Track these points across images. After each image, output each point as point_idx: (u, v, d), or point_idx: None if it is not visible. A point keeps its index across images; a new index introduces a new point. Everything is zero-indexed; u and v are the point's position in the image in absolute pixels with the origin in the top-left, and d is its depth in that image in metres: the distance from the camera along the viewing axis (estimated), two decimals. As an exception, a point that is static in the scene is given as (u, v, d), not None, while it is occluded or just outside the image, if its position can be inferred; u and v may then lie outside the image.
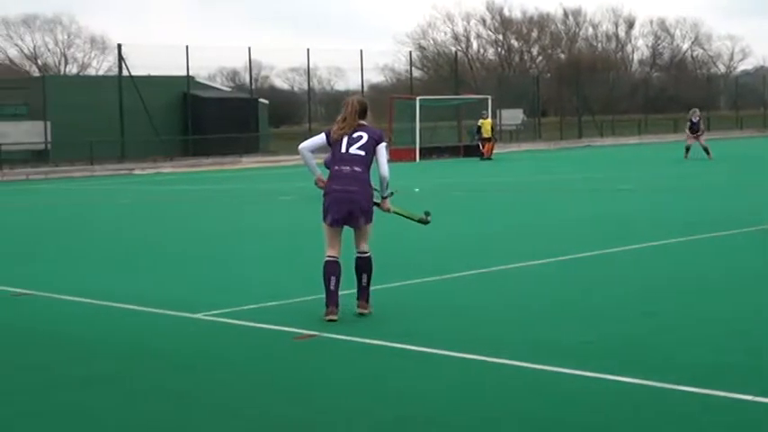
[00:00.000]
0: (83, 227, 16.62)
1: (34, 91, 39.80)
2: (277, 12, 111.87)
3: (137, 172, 36.26)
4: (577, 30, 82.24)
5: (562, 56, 79.42)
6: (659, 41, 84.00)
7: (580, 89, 56.33)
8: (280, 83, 73.13)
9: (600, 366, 5.94)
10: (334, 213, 7.55)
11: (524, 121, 52.21)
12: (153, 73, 42.67)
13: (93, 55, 73.68)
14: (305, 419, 5.23)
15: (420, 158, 39.07)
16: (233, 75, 68.36)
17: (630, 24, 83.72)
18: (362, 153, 7.57)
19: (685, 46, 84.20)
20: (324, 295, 7.58)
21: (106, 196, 24.96)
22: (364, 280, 7.68)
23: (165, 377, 6.21)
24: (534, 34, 79.68)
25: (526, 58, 79.14)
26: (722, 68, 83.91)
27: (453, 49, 70.73)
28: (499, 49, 79.25)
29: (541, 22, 79.72)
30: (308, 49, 45.20)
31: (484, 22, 78.39)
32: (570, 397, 5.44)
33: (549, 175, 26.47)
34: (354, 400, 5.54)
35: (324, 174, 7.88)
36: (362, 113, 7.70)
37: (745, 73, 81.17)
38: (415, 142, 40.01)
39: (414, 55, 60.03)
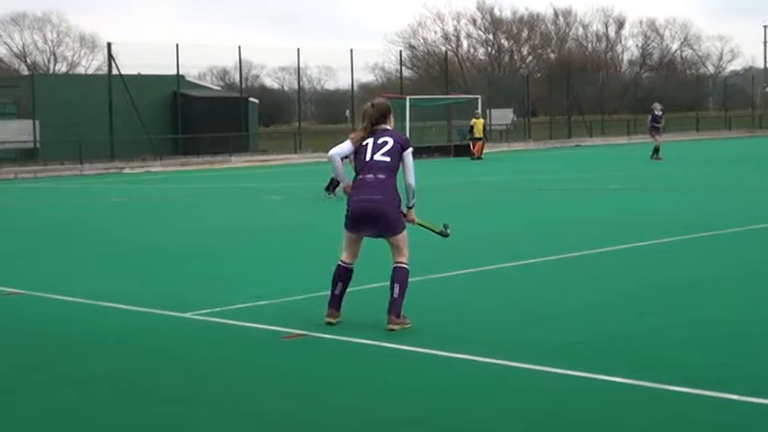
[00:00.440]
0: (72, 226, 16.57)
1: (23, 90, 39.71)
2: (267, 11, 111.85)
3: (126, 171, 36.18)
4: (567, 30, 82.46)
5: (552, 56, 79.57)
6: (649, 42, 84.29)
7: (570, 89, 56.42)
8: (270, 82, 73.24)
9: (590, 366, 5.94)
10: (355, 223, 7.29)
11: (514, 121, 52.25)
12: (143, 72, 42.58)
13: (82, 53, 73.65)
14: (294, 418, 5.22)
15: (410, 158, 38.97)
16: (223, 74, 68.41)
17: (620, 24, 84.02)
18: (388, 159, 7.20)
19: (675, 46, 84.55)
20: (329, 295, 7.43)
21: (95, 195, 24.89)
22: (396, 292, 7.15)
23: (157, 376, 6.19)
24: (524, 34, 79.81)
25: (516, 57, 79.25)
26: (711, 69, 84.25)
27: (443, 48, 70.88)
28: (489, 49, 79.35)
29: (531, 21, 79.89)
30: (299, 49, 45.23)
31: (474, 21, 78.55)
32: (561, 397, 5.44)
33: (539, 174, 26.49)
34: (343, 400, 5.53)
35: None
36: (382, 117, 7.32)
37: (734, 73, 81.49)
38: (405, 142, 39.89)
39: (404, 54, 60.09)
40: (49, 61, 72.93)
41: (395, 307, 7.13)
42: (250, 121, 45.81)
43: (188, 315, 7.98)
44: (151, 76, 42.50)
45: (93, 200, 23.31)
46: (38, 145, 39.06)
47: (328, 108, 71.04)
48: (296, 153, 43.19)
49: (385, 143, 7.25)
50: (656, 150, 30.59)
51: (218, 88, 55.03)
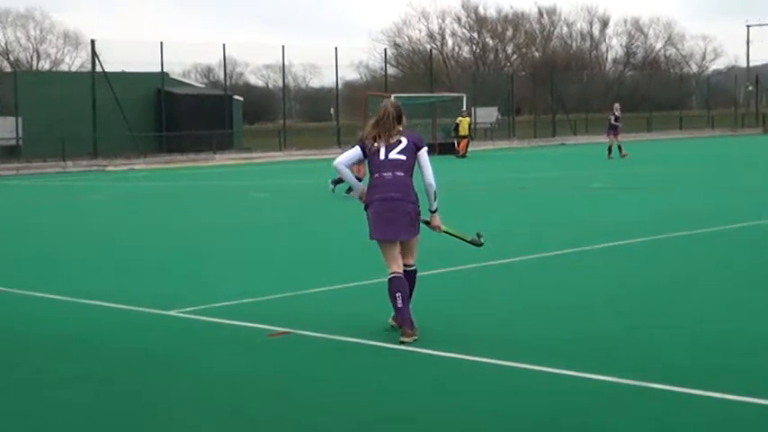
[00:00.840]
0: (54, 223, 16.49)
1: (5, 87, 39.52)
2: (252, 8, 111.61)
3: (109, 168, 36.03)
4: (552, 28, 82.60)
5: (537, 54, 79.71)
6: (633, 41, 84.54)
7: (554, 88, 56.56)
8: (254, 80, 72.99)
9: (576, 365, 5.94)
10: (380, 225, 6.85)
11: (499, 120, 52.34)
12: (127, 69, 42.43)
13: (65, 51, 73.22)
14: (279, 416, 5.21)
15: (395, 156, 38.99)
16: (207, 71, 68.18)
17: (605, 23, 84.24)
18: (404, 157, 6.89)
19: (659, 45, 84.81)
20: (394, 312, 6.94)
21: (78, 193, 24.78)
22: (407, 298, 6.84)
23: (141, 374, 6.16)
24: (509, 33, 79.90)
25: (501, 56, 79.34)
26: (695, 68, 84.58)
27: (428, 46, 70.82)
28: (474, 48, 79.44)
29: (516, 20, 79.98)
30: (283, 46, 45.12)
31: (459, 20, 78.60)
32: (547, 396, 5.44)
33: (524, 173, 26.54)
34: (327, 398, 5.52)
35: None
36: (399, 118, 6.97)
37: (717, 72, 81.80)
38: (389, 140, 39.92)
39: (389, 52, 59.98)
40: (32, 58, 72.52)
41: (406, 317, 6.74)
42: (234, 118, 45.73)
43: (172, 313, 7.95)
44: (135, 74, 42.36)
45: (75, 197, 23.21)
46: (20, 142, 38.86)
47: (313, 106, 70.99)
48: (280, 151, 43.13)
49: (399, 142, 6.93)
50: (610, 150, 32.25)
51: (203, 86, 54.88)
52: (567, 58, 77.62)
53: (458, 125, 37.91)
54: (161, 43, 41.26)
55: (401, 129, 6.99)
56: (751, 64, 79.50)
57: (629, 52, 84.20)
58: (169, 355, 6.64)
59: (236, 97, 48.29)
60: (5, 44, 72.10)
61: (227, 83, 49.48)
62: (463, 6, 78.94)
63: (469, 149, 37.96)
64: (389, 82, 52.16)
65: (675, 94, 64.40)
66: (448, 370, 6.06)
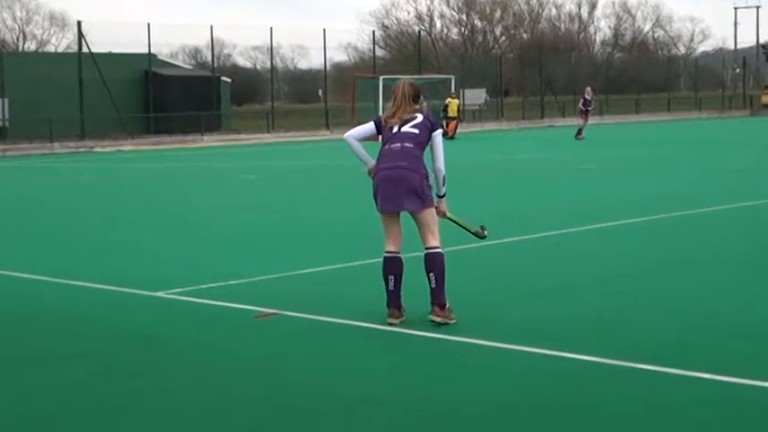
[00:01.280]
0: (41, 205, 16.42)
1: (-9, 68, 39.24)
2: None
3: (97, 150, 35.87)
4: (540, 10, 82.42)
5: (525, 36, 79.59)
6: (621, 23, 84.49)
7: (543, 69, 56.51)
8: (242, 61, 72.71)
9: (565, 346, 5.96)
10: (383, 195, 6.65)
11: (487, 101, 52.31)
12: (114, 50, 42.17)
13: (52, 32, 72.79)
14: (266, 396, 5.21)
15: (383, 138, 38.95)
16: (195, 53, 67.84)
17: (593, 5, 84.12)
18: (416, 131, 6.71)
19: (647, 27, 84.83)
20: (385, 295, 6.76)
21: (65, 174, 24.68)
22: (432, 281, 6.62)
23: (129, 355, 6.15)
24: (497, 14, 79.67)
25: (489, 38, 79.16)
26: (682, 50, 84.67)
27: (416, 28, 70.66)
28: (462, 29, 79.21)
29: (504, 2, 79.70)
30: (271, 28, 44.96)
31: (447, 1, 78.28)
32: (535, 377, 5.46)
33: (512, 155, 26.55)
34: (314, 378, 5.52)
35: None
36: (416, 97, 6.80)
37: (705, 54, 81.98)
38: (378, 121, 39.87)
39: (377, 34, 59.76)
40: (18, 39, 72.05)
41: (437, 297, 6.59)
42: (222, 100, 45.58)
43: (159, 294, 7.93)
44: (122, 55, 42.15)
45: (62, 179, 23.11)
46: (6, 123, 38.64)
47: (301, 87, 70.71)
48: (268, 132, 43.01)
49: (413, 117, 6.76)
50: (580, 131, 32.67)
51: (191, 67, 54.63)
52: (555, 39, 77.53)
53: (446, 106, 37.85)
54: (148, 24, 41.10)
55: (417, 107, 6.81)
56: (738, 46, 79.72)
57: (617, 34, 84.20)
58: (157, 336, 6.63)
59: (224, 79, 48.10)
60: (-9, 25, 71.60)
61: (215, 64, 49.28)
62: (452, -12, 78.67)
63: (458, 131, 37.92)
64: (378, 64, 52.00)
65: (663, 76, 64.43)
66: (435, 351, 6.06)
